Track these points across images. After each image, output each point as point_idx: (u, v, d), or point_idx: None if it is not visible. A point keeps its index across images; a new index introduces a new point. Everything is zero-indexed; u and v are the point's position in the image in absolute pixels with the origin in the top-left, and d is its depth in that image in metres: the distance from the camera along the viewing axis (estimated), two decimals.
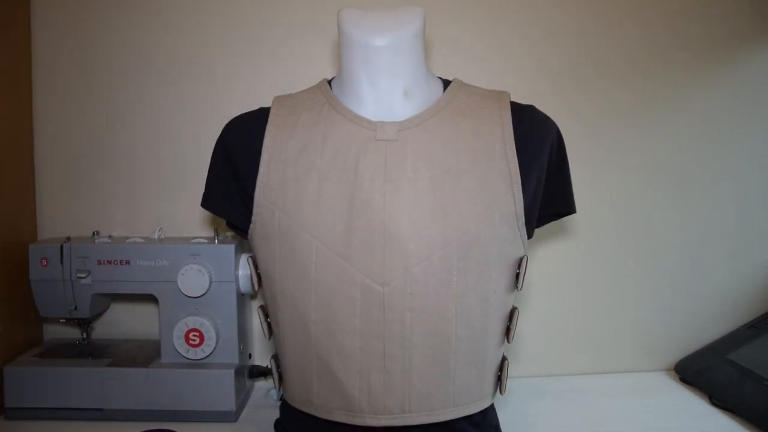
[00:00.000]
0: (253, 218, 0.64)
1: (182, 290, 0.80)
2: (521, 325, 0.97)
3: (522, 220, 0.63)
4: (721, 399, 0.86)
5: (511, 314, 0.67)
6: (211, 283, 0.81)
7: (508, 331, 0.67)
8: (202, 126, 0.93)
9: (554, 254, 0.97)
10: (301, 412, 0.67)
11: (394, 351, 0.61)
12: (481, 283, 0.61)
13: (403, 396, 0.62)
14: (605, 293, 0.99)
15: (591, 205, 0.97)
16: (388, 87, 0.64)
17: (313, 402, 0.65)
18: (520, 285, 0.65)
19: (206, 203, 0.69)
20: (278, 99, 0.69)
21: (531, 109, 0.68)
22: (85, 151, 0.93)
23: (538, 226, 0.70)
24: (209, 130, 0.93)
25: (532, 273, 0.97)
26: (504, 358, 0.69)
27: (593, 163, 0.96)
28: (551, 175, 0.67)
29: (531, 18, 0.93)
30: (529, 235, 0.66)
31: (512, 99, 0.67)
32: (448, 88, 0.67)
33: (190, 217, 0.94)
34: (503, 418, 0.82)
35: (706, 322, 1.00)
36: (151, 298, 0.87)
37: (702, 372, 0.93)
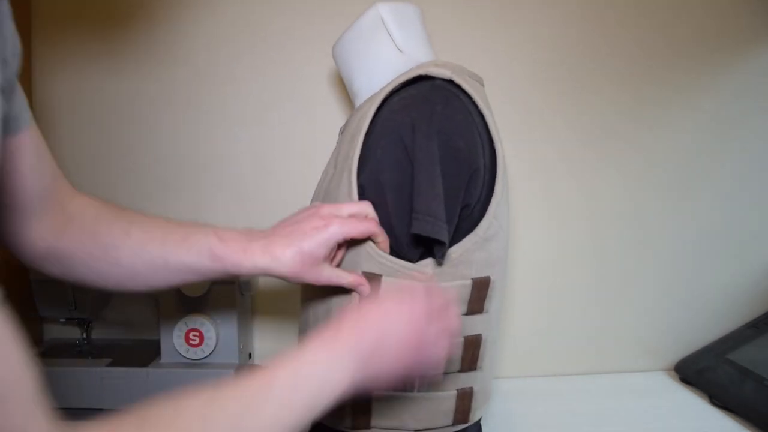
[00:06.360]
0: None
1: (182, 290, 0.80)
2: (522, 325, 0.97)
3: None
4: (721, 399, 0.86)
5: None
6: (211, 283, 0.81)
7: None
8: (202, 126, 0.93)
9: (554, 254, 0.97)
10: None
11: None
12: (325, 290, 0.56)
13: None
14: (605, 293, 0.99)
15: (591, 205, 0.97)
16: (349, 92, 0.68)
17: None
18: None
19: None
20: None
21: (404, 92, 0.55)
22: (85, 151, 0.93)
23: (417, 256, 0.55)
24: (209, 130, 0.93)
25: (533, 273, 0.97)
26: (366, 408, 0.55)
27: (593, 162, 0.96)
28: (403, 183, 0.53)
29: (528, 19, 0.93)
30: (411, 258, 0.54)
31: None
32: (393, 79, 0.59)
33: (190, 217, 0.94)
34: (503, 418, 0.82)
35: (706, 322, 1.00)
36: (151, 298, 0.87)
37: (702, 372, 0.93)
